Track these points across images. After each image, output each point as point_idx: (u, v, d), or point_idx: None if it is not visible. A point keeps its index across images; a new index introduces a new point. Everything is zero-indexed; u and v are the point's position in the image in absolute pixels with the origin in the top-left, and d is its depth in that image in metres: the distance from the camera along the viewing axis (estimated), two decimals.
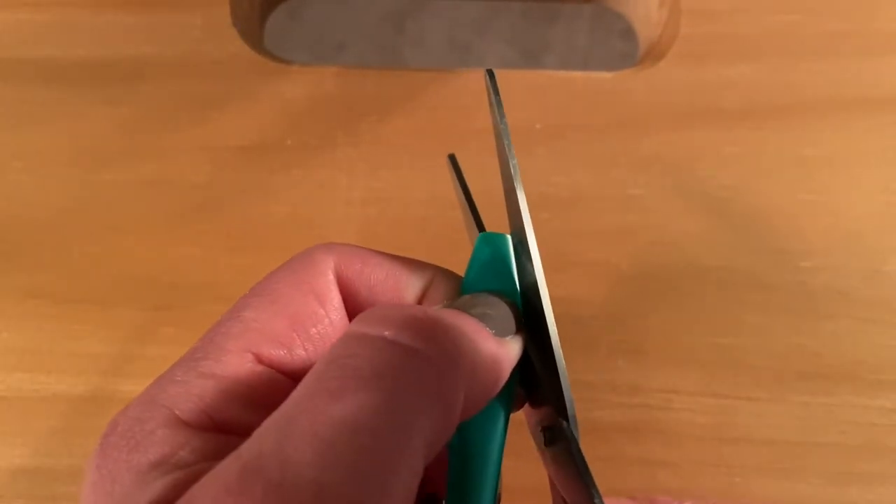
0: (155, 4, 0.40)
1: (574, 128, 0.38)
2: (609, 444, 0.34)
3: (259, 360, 0.20)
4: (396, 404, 0.17)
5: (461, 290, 0.23)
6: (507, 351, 0.21)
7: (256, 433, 0.17)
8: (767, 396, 0.35)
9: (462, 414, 0.19)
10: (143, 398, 0.19)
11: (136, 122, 0.38)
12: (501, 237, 0.24)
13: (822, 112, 0.38)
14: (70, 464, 0.34)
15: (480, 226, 0.25)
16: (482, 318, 0.21)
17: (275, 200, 0.37)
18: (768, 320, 0.36)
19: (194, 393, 0.19)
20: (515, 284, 0.23)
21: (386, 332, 0.18)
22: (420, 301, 0.23)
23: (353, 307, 0.22)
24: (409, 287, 0.23)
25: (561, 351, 0.22)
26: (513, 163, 0.21)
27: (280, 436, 0.16)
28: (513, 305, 0.22)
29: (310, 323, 0.21)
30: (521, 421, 0.25)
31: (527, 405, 0.24)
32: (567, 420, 0.22)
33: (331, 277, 0.22)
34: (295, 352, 0.21)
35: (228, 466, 0.16)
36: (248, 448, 0.16)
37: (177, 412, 0.19)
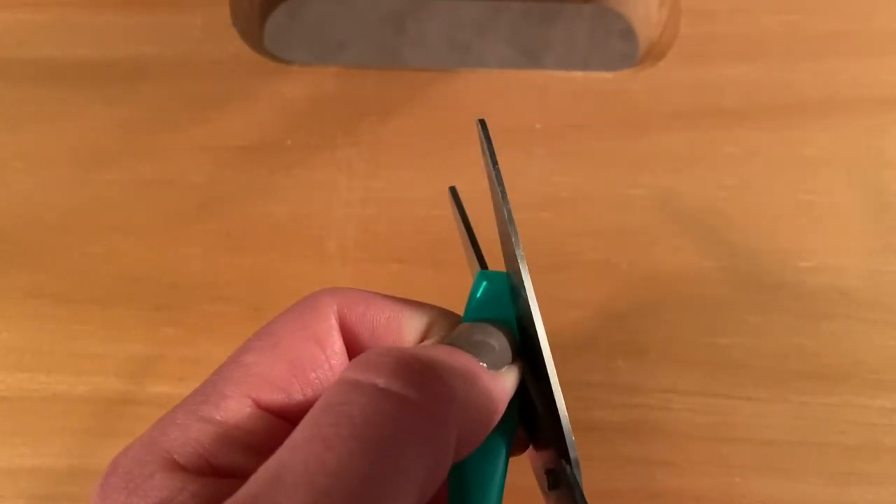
0: (155, 4, 0.40)
1: (574, 128, 0.38)
2: (608, 443, 0.34)
3: (258, 404, 0.21)
4: (388, 451, 0.17)
5: None
6: (502, 385, 0.22)
7: (252, 479, 0.17)
8: (767, 396, 0.35)
9: (459, 451, 0.19)
10: (144, 440, 0.20)
11: (136, 122, 0.38)
12: (500, 275, 0.24)
13: (822, 112, 0.38)
14: (70, 464, 0.34)
15: (481, 259, 0.25)
16: (478, 346, 0.22)
17: (275, 200, 0.37)
18: (768, 320, 0.36)
19: (193, 437, 0.20)
20: (513, 319, 0.23)
21: (377, 381, 0.19)
22: (421, 342, 0.23)
23: (355, 350, 0.23)
24: (410, 329, 0.23)
25: (561, 393, 0.21)
26: (507, 208, 0.21)
27: (275, 483, 0.17)
28: (509, 333, 0.22)
29: (309, 367, 0.22)
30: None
31: (531, 448, 0.24)
32: (570, 463, 0.22)
33: (333, 322, 0.22)
34: (294, 396, 0.21)
35: None
36: (244, 494, 0.17)
37: (175, 456, 0.19)
